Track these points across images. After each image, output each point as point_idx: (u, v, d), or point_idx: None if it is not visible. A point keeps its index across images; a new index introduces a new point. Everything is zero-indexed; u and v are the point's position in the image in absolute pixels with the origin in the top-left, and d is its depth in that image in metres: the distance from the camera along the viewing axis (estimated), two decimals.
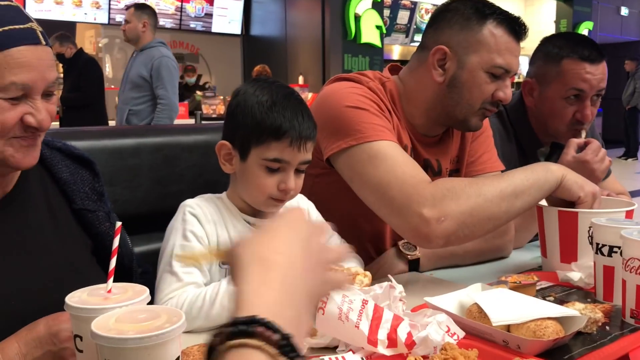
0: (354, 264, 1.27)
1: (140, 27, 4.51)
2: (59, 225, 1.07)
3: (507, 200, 1.28)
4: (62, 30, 6.91)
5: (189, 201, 1.25)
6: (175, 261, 1.14)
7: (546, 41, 1.82)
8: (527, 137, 1.87)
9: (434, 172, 1.55)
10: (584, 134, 1.67)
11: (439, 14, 1.49)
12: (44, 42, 0.96)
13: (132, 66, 4.53)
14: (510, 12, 1.46)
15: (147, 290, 0.79)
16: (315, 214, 1.39)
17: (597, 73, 1.71)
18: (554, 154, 1.91)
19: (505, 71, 1.41)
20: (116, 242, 0.80)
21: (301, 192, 1.54)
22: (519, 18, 1.44)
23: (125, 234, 1.23)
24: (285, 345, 0.51)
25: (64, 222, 1.09)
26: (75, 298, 0.76)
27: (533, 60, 1.85)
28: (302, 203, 1.39)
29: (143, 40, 4.54)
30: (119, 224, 0.83)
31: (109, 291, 0.78)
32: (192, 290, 1.12)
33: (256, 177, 1.20)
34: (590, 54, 1.70)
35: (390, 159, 1.32)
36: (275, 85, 1.25)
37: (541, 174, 1.32)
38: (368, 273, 1.10)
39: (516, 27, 1.42)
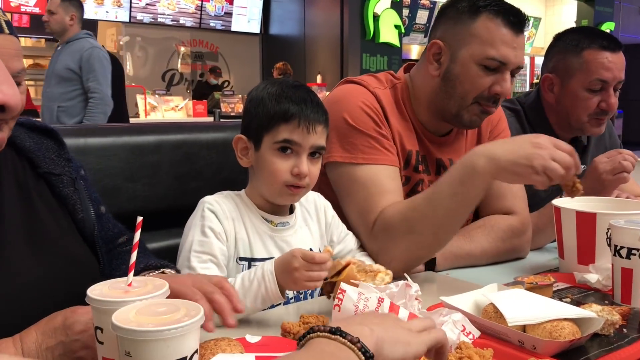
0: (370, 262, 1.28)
1: (68, 19, 4.33)
2: (29, 197, 1.07)
3: (440, 227, 1.32)
4: (84, 28, 6.99)
5: (207, 198, 1.27)
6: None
7: (560, 37, 1.84)
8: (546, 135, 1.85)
9: (445, 170, 1.55)
10: None
11: (440, 10, 1.53)
12: (7, 31, 0.94)
13: (58, 60, 4.29)
14: (507, 3, 1.42)
15: (167, 284, 0.80)
16: (331, 213, 1.40)
17: (617, 62, 1.73)
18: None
19: (501, 63, 1.38)
20: (137, 236, 0.82)
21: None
22: (515, 9, 1.41)
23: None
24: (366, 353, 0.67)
25: (34, 192, 1.09)
26: (97, 291, 0.78)
27: (549, 57, 1.86)
28: (318, 201, 1.40)
29: (69, 33, 4.36)
30: (139, 218, 0.84)
31: (130, 284, 0.80)
32: None
33: (270, 164, 1.24)
34: (609, 44, 1.73)
35: (366, 188, 1.40)
36: (285, 80, 1.32)
37: (469, 184, 1.26)
38: (389, 271, 1.12)
39: (511, 18, 1.38)
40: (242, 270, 1.22)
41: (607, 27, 13.12)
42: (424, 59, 1.52)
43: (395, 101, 1.51)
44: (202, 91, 9.71)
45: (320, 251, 1.32)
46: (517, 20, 1.39)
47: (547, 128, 1.85)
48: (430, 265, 1.45)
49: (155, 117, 7.77)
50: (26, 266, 1.00)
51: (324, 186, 1.51)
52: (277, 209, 1.30)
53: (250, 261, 1.25)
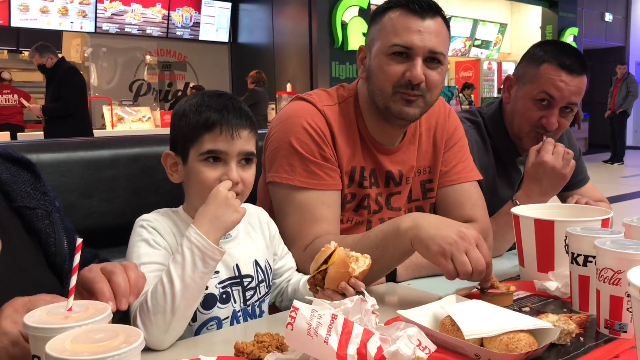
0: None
1: None
2: (2, 226, 1.05)
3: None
4: (48, 39, 6.89)
5: (145, 216, 1.25)
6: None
7: (537, 45, 1.84)
8: (504, 146, 1.86)
9: (395, 183, 1.57)
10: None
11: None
12: None
13: None
14: None
15: (109, 308, 0.77)
16: (274, 228, 1.40)
17: (571, 84, 1.70)
18: None
19: (406, 48, 1.39)
20: (76, 259, 0.79)
21: (262, 203, 1.56)
22: None
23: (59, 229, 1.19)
24: None
25: (7, 223, 1.08)
26: (34, 317, 0.74)
27: (520, 60, 1.87)
28: (261, 215, 1.39)
29: None
30: (79, 240, 0.81)
31: (70, 309, 0.76)
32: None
33: (198, 174, 1.21)
34: (571, 64, 1.70)
35: (300, 212, 1.42)
36: (207, 91, 1.30)
37: (391, 241, 1.28)
38: (368, 255, 1.12)
39: (411, 6, 1.40)
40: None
41: (571, 32, 13.44)
42: None
43: (345, 117, 1.51)
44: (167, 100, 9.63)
45: (266, 262, 1.33)
46: (419, 6, 1.40)
47: (507, 139, 1.86)
48: (392, 276, 1.43)
49: (122, 128, 7.68)
50: None
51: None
52: None
53: None
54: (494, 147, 1.86)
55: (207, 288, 1.19)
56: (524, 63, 1.82)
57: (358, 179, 1.51)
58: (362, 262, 1.11)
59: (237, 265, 1.26)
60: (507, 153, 1.87)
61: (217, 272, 1.23)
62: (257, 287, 1.28)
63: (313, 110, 1.47)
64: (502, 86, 10.47)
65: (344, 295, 1.09)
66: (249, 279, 1.27)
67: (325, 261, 1.10)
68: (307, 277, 1.31)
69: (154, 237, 1.19)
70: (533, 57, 1.78)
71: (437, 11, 1.43)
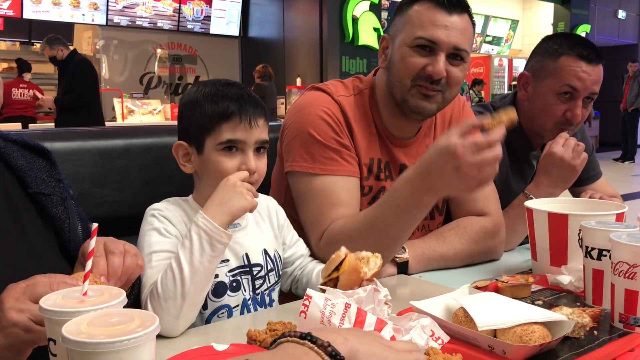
0: None
1: None
2: (17, 212, 1.07)
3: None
4: (60, 32, 6.91)
5: (156, 205, 1.25)
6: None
7: (547, 39, 1.82)
8: (518, 140, 1.84)
9: None
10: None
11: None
12: None
13: None
14: None
15: (124, 293, 0.77)
16: (283, 216, 1.40)
17: (592, 74, 1.70)
18: None
19: (431, 42, 1.37)
20: (92, 243, 0.79)
21: (276, 193, 1.57)
22: None
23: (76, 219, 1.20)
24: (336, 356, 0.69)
25: (22, 209, 1.09)
26: (50, 301, 0.75)
27: (532, 56, 1.85)
28: (270, 204, 1.39)
29: None
30: (95, 225, 0.81)
31: (85, 294, 0.76)
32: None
33: (216, 164, 1.21)
34: (588, 54, 1.70)
35: (319, 198, 1.41)
36: (216, 80, 1.29)
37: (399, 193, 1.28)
38: (378, 254, 1.10)
39: (440, 0, 1.38)
40: None
41: (583, 29, 13.32)
42: None
43: (361, 108, 1.50)
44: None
45: (275, 252, 1.33)
46: (448, 1, 1.38)
47: (520, 133, 1.84)
48: (403, 269, 1.43)
49: (133, 120, 7.71)
50: (7, 276, 0.97)
51: (290, 198, 1.51)
52: None
53: None
54: (507, 141, 1.85)
55: (217, 276, 1.20)
56: (537, 57, 1.80)
57: (375, 172, 1.51)
58: (373, 264, 1.08)
59: (246, 254, 1.26)
60: (521, 147, 1.85)
61: (227, 260, 1.23)
62: (267, 276, 1.29)
63: (329, 100, 1.47)
64: (515, 83, 10.43)
65: None
66: (259, 268, 1.28)
67: (337, 268, 1.09)
68: (321, 266, 1.31)
69: (165, 225, 1.20)
70: (547, 50, 1.76)
71: (465, 7, 1.41)
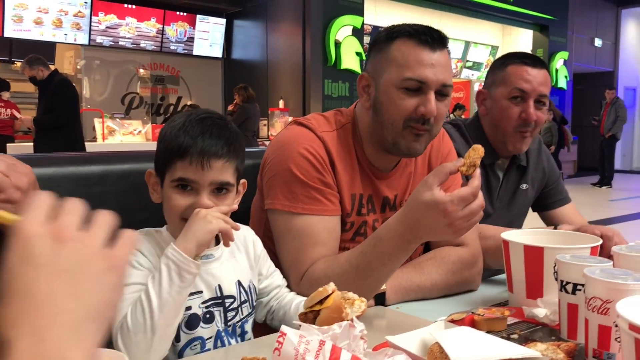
0: None
1: None
2: None
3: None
4: (42, 51, 6.88)
5: None
6: None
7: (497, 59, 1.99)
8: (485, 151, 1.89)
9: (390, 207, 1.55)
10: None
11: (368, 46, 1.55)
12: None
13: None
14: (422, 25, 1.41)
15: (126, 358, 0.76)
16: (260, 247, 1.39)
17: (538, 76, 1.85)
18: (511, 167, 1.98)
19: (420, 82, 1.36)
20: None
21: (255, 225, 1.55)
22: (430, 28, 1.41)
23: None
24: None
25: None
26: None
27: (486, 76, 2.00)
28: (247, 234, 1.37)
29: None
30: None
31: None
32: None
33: (169, 200, 1.20)
34: (531, 60, 1.87)
35: (300, 238, 1.40)
36: (195, 112, 1.26)
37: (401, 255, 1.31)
38: (364, 299, 1.10)
39: (423, 37, 1.37)
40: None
41: (561, 56, 13.61)
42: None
43: (344, 144, 1.49)
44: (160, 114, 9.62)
45: (250, 282, 1.32)
46: (431, 38, 1.38)
47: (486, 143, 1.88)
48: (381, 300, 1.43)
49: (113, 141, 7.66)
50: None
51: (268, 231, 1.50)
52: None
53: None
54: None
55: (190, 308, 1.19)
56: (490, 74, 1.97)
57: (357, 207, 1.50)
58: (357, 307, 1.08)
59: (219, 285, 1.25)
60: (488, 155, 1.88)
61: (201, 292, 1.22)
62: (239, 308, 1.28)
63: (312, 137, 1.45)
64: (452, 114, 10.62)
65: None
66: (231, 300, 1.26)
67: (321, 301, 1.08)
68: (299, 299, 1.30)
69: (136, 257, 1.18)
70: (496, 66, 1.94)
71: (445, 43, 1.41)
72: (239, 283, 1.29)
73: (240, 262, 1.32)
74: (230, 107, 8.63)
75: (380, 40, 1.44)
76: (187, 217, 1.17)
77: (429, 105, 1.36)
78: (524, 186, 2.02)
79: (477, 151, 1.22)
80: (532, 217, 2.13)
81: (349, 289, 1.11)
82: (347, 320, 1.04)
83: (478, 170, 1.21)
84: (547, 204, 2.11)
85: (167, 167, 1.20)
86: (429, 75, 1.36)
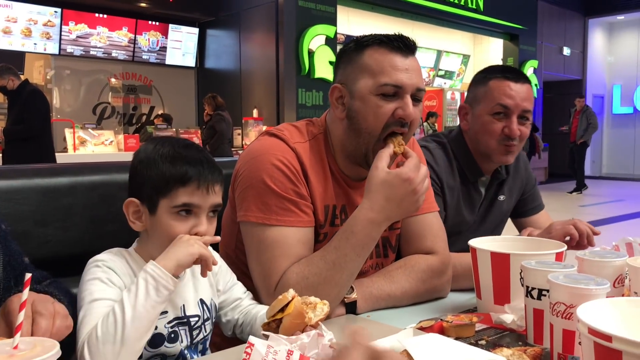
0: None
1: None
2: None
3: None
4: (11, 60, 6.78)
5: (98, 256, 1.23)
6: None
7: (479, 72, 1.96)
8: (468, 167, 1.92)
9: None
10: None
11: (336, 58, 1.55)
12: None
13: None
14: (391, 34, 1.44)
15: (57, 345, 0.75)
16: (225, 267, 1.39)
17: (520, 91, 1.82)
18: (493, 183, 1.98)
19: (396, 87, 1.38)
20: (25, 295, 0.77)
21: (227, 238, 1.56)
22: (399, 35, 1.43)
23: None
24: None
25: None
26: None
27: (468, 89, 1.98)
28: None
29: None
30: (28, 275, 0.79)
31: (16, 347, 0.74)
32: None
33: (168, 227, 1.21)
34: (514, 75, 1.84)
35: (272, 250, 1.39)
36: (174, 139, 1.30)
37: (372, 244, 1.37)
38: (326, 301, 1.12)
39: (395, 44, 1.40)
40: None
41: (531, 64, 13.86)
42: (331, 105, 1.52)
43: (316, 154, 1.49)
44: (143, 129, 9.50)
45: (212, 300, 1.33)
46: (403, 45, 1.40)
47: (470, 159, 1.91)
48: (352, 308, 1.43)
49: (85, 151, 7.56)
50: None
51: (240, 244, 1.49)
52: None
53: None
54: (459, 168, 1.92)
55: (156, 328, 1.19)
56: (472, 88, 1.94)
57: (330, 218, 1.50)
58: (319, 311, 1.09)
59: (183, 305, 1.26)
60: (471, 172, 1.93)
61: (166, 312, 1.23)
62: (203, 326, 1.28)
63: (284, 147, 1.44)
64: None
65: None
66: (196, 318, 1.27)
67: (282, 309, 1.09)
68: (265, 310, 1.30)
69: (108, 275, 1.18)
70: (478, 80, 1.91)
71: (415, 49, 1.43)
72: (202, 301, 1.30)
73: (201, 280, 1.32)
74: (205, 118, 8.60)
75: (350, 50, 1.45)
76: None
77: (407, 109, 1.39)
78: (501, 197, 2.02)
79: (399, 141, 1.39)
80: (507, 226, 2.16)
81: (326, 286, 1.13)
82: (310, 325, 1.06)
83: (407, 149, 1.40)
84: (522, 211, 2.13)
85: (163, 195, 1.20)
86: (405, 79, 1.38)
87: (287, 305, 1.08)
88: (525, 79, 1.86)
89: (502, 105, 1.81)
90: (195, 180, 1.20)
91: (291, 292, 1.11)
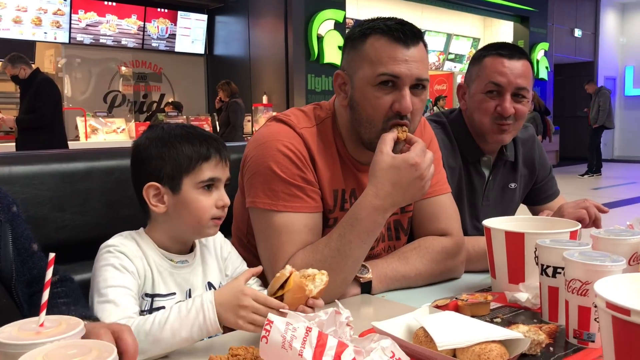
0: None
1: None
2: None
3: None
4: (22, 50, 6.81)
5: (109, 241, 1.25)
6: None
7: (477, 51, 1.93)
8: (468, 148, 1.90)
9: None
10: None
11: (344, 42, 1.53)
12: None
13: None
14: (396, 21, 1.42)
15: (82, 323, 0.77)
16: (227, 250, 1.41)
17: (514, 68, 1.78)
18: (498, 164, 1.94)
19: (394, 77, 1.36)
20: (49, 274, 0.78)
21: (238, 223, 1.59)
22: (402, 24, 1.41)
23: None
24: None
25: None
26: (5, 333, 0.74)
27: (467, 68, 1.95)
28: (217, 238, 1.41)
29: None
30: (52, 255, 0.80)
31: (41, 325, 0.76)
32: (134, 318, 1.11)
33: (195, 202, 1.26)
34: (508, 52, 1.80)
35: (279, 235, 1.40)
36: (174, 124, 1.36)
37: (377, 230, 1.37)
38: (324, 271, 1.14)
39: (395, 34, 1.37)
40: (145, 307, 1.22)
41: (542, 47, 13.71)
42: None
43: (324, 139, 1.49)
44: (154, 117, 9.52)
45: (220, 284, 1.34)
46: (404, 35, 1.38)
47: (469, 139, 1.90)
48: (367, 288, 1.45)
49: (97, 139, 7.60)
50: None
51: (251, 229, 1.51)
52: (178, 248, 1.31)
53: (153, 297, 1.24)
54: (460, 149, 1.90)
55: (164, 308, 1.21)
56: (469, 67, 1.92)
57: (340, 203, 1.50)
58: (319, 281, 1.11)
59: (189, 290, 1.29)
60: (472, 153, 1.91)
61: (174, 293, 1.26)
62: None
63: (291, 133, 1.44)
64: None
65: None
66: None
67: (282, 286, 1.10)
68: None
69: (121, 261, 1.20)
70: (474, 58, 1.89)
71: (419, 37, 1.41)
72: (209, 285, 1.32)
73: (210, 265, 1.36)
74: (217, 104, 8.58)
75: (355, 37, 1.44)
76: (217, 216, 1.27)
77: (404, 102, 1.37)
78: (512, 185, 1.99)
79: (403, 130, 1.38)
80: (520, 210, 2.14)
81: (331, 272, 1.14)
82: (312, 296, 1.09)
83: (411, 135, 1.39)
84: (538, 199, 2.10)
85: (187, 172, 1.25)
86: (403, 70, 1.36)
87: (286, 281, 1.10)
88: (520, 55, 1.81)
89: (494, 83, 1.78)
90: (217, 154, 1.28)
91: (288, 268, 1.12)
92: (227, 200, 1.29)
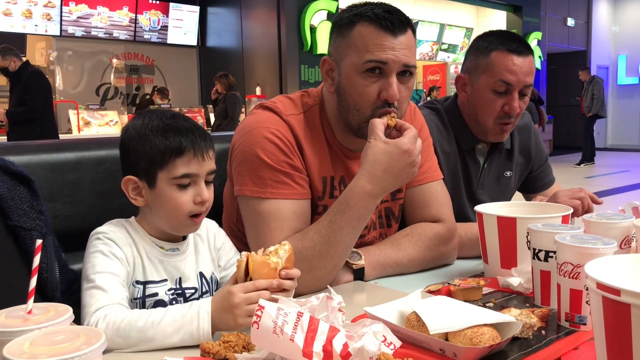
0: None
1: None
2: None
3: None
4: (12, 43, 6.76)
5: (100, 229, 1.24)
6: None
7: (478, 38, 1.86)
8: (463, 135, 1.88)
9: None
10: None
11: (331, 27, 1.51)
12: None
13: None
14: (384, 7, 1.40)
15: (70, 310, 0.76)
16: (221, 240, 1.39)
17: (523, 66, 1.75)
18: (494, 152, 1.92)
19: (380, 63, 1.36)
20: (36, 260, 0.77)
21: (228, 212, 1.57)
22: (389, 11, 1.39)
23: (57, 257, 1.17)
24: None
25: (0, 241, 1.05)
26: None
27: (466, 57, 1.89)
28: (210, 227, 1.39)
29: None
30: (39, 242, 0.80)
31: (29, 312, 0.75)
32: (128, 310, 1.11)
33: (170, 199, 1.22)
34: (517, 47, 1.75)
35: (267, 222, 1.39)
36: (159, 112, 1.30)
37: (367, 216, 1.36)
38: (284, 241, 1.13)
39: (383, 22, 1.36)
40: (138, 294, 1.21)
41: (535, 36, 13.71)
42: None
43: (311, 126, 1.48)
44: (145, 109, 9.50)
45: (213, 274, 1.33)
46: (391, 23, 1.37)
47: (464, 128, 1.88)
48: (359, 275, 1.44)
49: (89, 132, 7.57)
50: None
51: (241, 217, 1.49)
52: (168, 236, 1.29)
53: (145, 284, 1.23)
54: (455, 136, 1.88)
55: (157, 295, 1.22)
56: (471, 57, 1.84)
57: (329, 190, 1.49)
58: (282, 251, 1.11)
59: (179, 278, 1.28)
60: (466, 142, 1.88)
61: (166, 280, 1.25)
62: (200, 298, 1.28)
63: (277, 120, 1.44)
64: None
65: (284, 291, 1.10)
66: (192, 291, 1.28)
67: (246, 273, 1.10)
68: None
69: (110, 248, 1.19)
70: (479, 49, 1.81)
71: (407, 24, 1.40)
72: (201, 274, 1.31)
73: (203, 254, 1.34)
74: (213, 96, 8.53)
75: (342, 24, 1.43)
76: (195, 212, 1.22)
77: (391, 90, 1.36)
78: (508, 173, 1.98)
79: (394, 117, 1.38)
80: (515, 197, 2.13)
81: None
82: (281, 268, 1.09)
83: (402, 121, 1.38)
84: (534, 187, 2.09)
85: (161, 167, 1.21)
86: (389, 56, 1.36)
87: (247, 267, 1.10)
88: (528, 50, 1.78)
89: (504, 81, 1.74)
90: (191, 149, 1.21)
91: (243, 254, 1.12)
92: (205, 196, 1.23)
